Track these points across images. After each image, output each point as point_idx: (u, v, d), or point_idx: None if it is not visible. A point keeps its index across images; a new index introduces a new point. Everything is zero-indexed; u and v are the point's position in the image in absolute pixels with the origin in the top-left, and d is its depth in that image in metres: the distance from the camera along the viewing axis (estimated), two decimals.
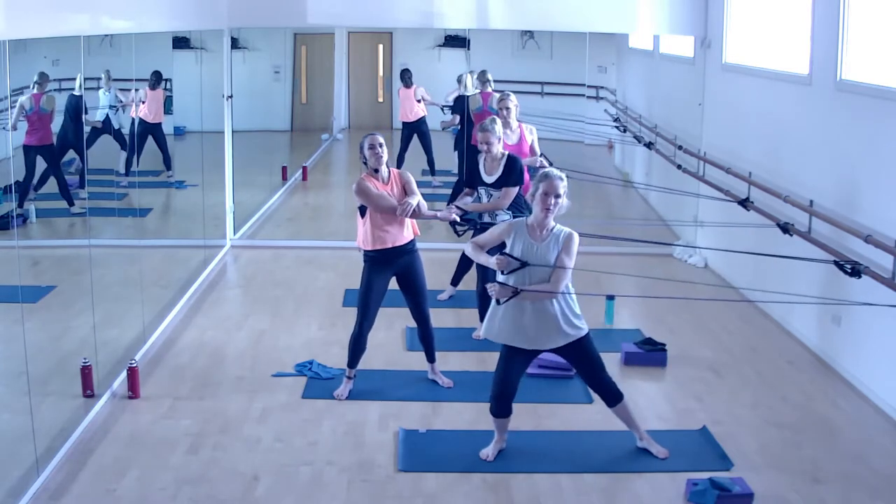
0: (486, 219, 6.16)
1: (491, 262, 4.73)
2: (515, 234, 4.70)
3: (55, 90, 6.51)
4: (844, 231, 5.74)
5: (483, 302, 6.59)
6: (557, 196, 4.60)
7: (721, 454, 5.03)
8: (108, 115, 7.30)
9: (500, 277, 4.73)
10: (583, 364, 4.90)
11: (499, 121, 6.37)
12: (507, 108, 7.00)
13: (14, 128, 6.29)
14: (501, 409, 4.90)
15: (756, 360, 6.48)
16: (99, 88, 7.20)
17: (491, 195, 6.22)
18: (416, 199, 5.53)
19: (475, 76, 9.30)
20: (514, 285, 4.63)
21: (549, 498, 4.61)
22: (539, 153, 7.08)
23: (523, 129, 7.10)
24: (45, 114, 6.47)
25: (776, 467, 4.91)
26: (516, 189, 6.18)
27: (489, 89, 9.10)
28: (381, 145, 5.52)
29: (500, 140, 6.22)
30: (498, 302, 4.72)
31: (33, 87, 6.32)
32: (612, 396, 4.97)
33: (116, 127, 7.61)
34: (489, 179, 6.21)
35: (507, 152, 6.25)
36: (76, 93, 6.51)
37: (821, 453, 5.08)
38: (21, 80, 6.11)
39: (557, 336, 4.74)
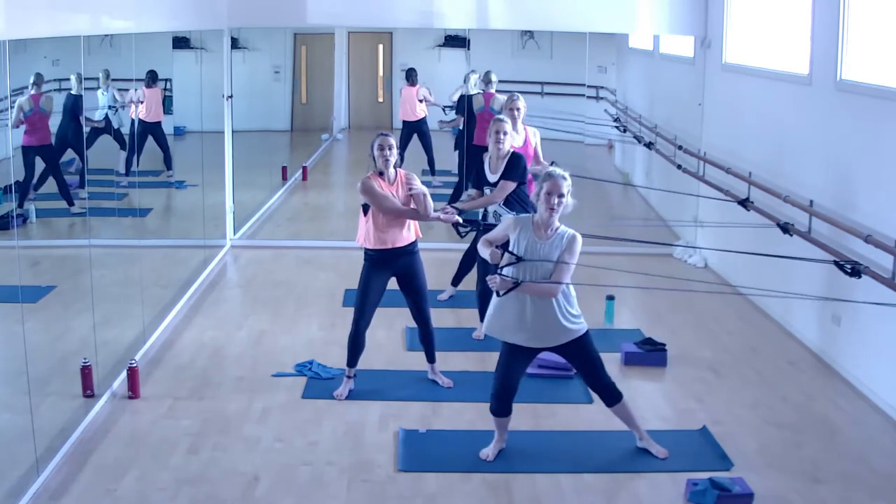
0: (491, 220, 6.16)
1: (486, 254, 4.72)
2: (521, 231, 4.69)
3: (55, 90, 6.53)
4: (844, 231, 5.74)
5: (483, 302, 6.58)
6: (561, 196, 4.57)
7: (721, 454, 5.03)
8: (107, 114, 7.33)
9: (505, 270, 4.71)
10: (582, 363, 4.89)
11: (509, 119, 6.38)
12: (518, 109, 6.96)
13: (16, 127, 6.32)
14: (501, 409, 4.90)
15: (756, 360, 6.48)
16: (97, 88, 7.21)
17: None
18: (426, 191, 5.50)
19: (479, 76, 9.32)
20: (515, 278, 4.61)
21: (549, 498, 4.61)
22: (542, 158, 7.08)
23: (528, 131, 7.09)
24: (45, 114, 6.50)
25: (776, 467, 4.91)
26: (513, 185, 6.16)
27: (492, 90, 9.09)
28: (390, 148, 5.47)
29: (510, 135, 6.22)
30: (497, 294, 4.70)
31: (31, 88, 6.35)
32: (612, 396, 4.97)
33: (116, 126, 7.63)
34: (493, 178, 6.22)
35: (511, 150, 6.26)
36: (74, 92, 6.54)
37: (821, 453, 5.08)
38: (21, 81, 6.11)
39: (558, 334, 4.72)
